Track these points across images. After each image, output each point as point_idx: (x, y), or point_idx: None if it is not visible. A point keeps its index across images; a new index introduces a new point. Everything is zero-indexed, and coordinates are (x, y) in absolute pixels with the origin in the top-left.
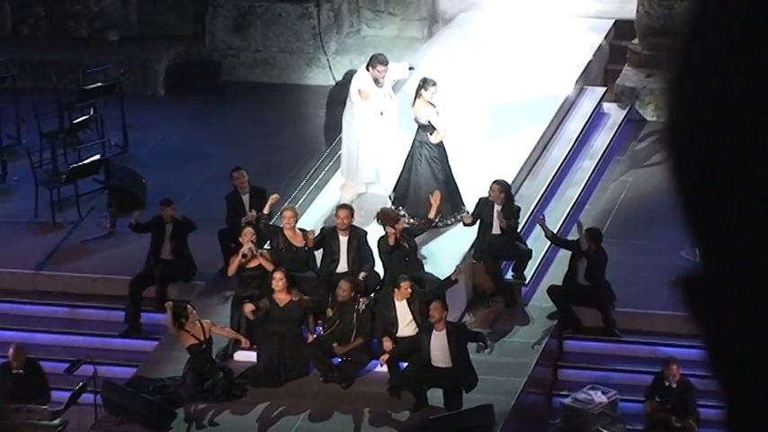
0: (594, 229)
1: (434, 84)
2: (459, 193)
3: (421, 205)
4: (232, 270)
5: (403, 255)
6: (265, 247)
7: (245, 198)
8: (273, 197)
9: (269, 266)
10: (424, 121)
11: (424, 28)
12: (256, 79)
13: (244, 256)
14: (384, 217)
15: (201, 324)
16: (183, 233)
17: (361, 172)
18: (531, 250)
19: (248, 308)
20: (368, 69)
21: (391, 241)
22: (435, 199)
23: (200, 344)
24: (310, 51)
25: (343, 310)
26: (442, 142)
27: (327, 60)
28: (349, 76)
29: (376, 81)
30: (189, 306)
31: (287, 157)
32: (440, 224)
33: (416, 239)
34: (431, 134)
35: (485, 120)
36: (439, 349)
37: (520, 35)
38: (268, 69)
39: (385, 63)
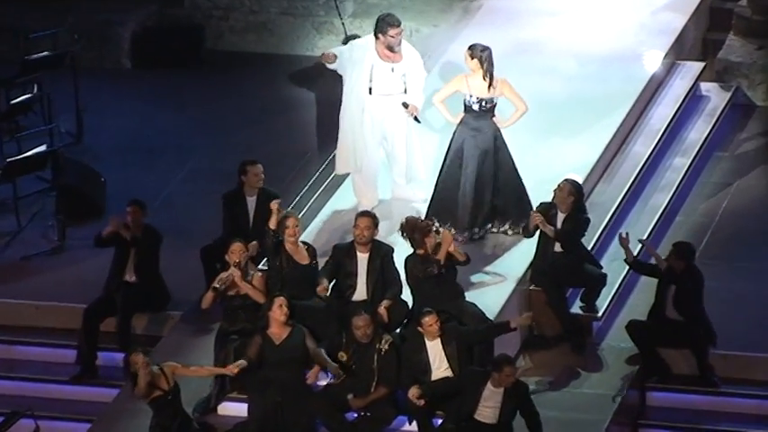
0: (684, 244)
1: (486, 50)
2: (526, 196)
3: (442, 215)
4: (206, 303)
5: (438, 279)
6: (260, 266)
7: (251, 201)
8: (274, 205)
9: (258, 298)
10: (493, 100)
11: None
12: (250, 49)
13: (214, 289)
14: (410, 228)
15: (162, 370)
16: (151, 247)
17: (371, 170)
18: (605, 275)
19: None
20: (377, 37)
21: (441, 257)
22: (446, 240)
23: (164, 395)
24: (320, 13)
25: (360, 352)
26: (498, 129)
27: (343, 25)
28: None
29: (390, 49)
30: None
31: (288, 149)
32: (494, 230)
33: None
34: (491, 117)
35: (544, 107)
36: (491, 405)
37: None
38: (265, 36)
39: (397, 25)
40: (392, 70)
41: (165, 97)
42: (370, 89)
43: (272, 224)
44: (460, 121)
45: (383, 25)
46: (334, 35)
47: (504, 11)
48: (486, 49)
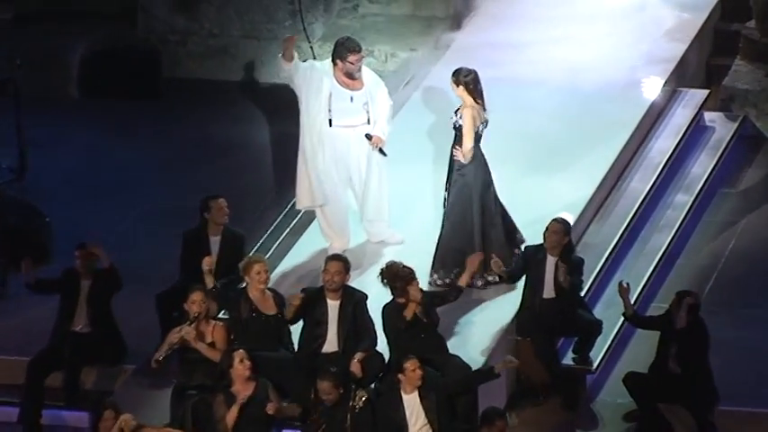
0: (688, 294)
1: (471, 73)
2: (513, 234)
3: (449, 259)
4: (155, 365)
5: (418, 330)
6: (220, 315)
7: (215, 241)
8: (206, 262)
9: (213, 356)
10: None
11: (449, 3)
12: (210, 76)
13: (171, 346)
14: (391, 275)
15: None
16: (107, 293)
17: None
18: (600, 322)
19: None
20: (335, 63)
21: (408, 315)
22: (472, 262)
23: None
24: (287, 36)
25: (330, 413)
26: (481, 161)
27: (312, 49)
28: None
29: (350, 76)
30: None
31: (252, 186)
32: (476, 284)
33: (438, 309)
34: (458, 146)
35: (532, 138)
36: None
37: (582, 16)
38: (227, 62)
39: (357, 50)
40: (351, 99)
41: (116, 130)
42: (330, 120)
43: (209, 284)
44: (473, 156)
45: (341, 50)
46: (301, 60)
47: (486, 35)
48: (470, 72)
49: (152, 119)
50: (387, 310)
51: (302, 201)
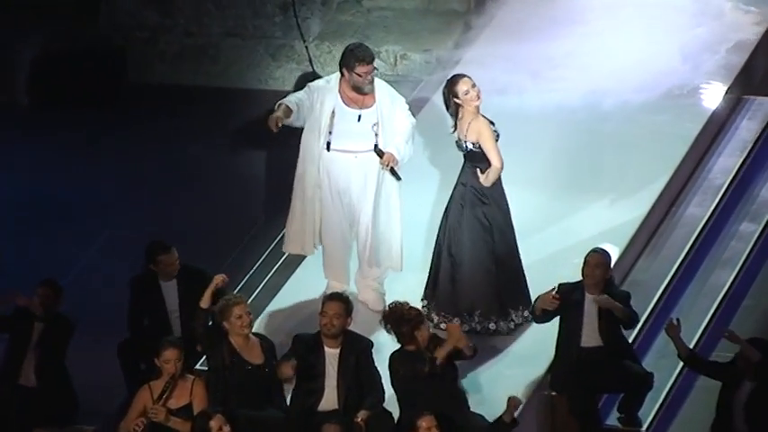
0: (760, 341)
1: (467, 80)
2: (523, 277)
3: (464, 298)
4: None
5: (434, 382)
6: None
7: (169, 285)
8: (218, 279)
9: (183, 429)
10: (470, 145)
11: None
12: (185, 81)
13: (143, 426)
14: (395, 319)
15: None
16: (59, 340)
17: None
18: (651, 375)
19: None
20: (342, 74)
21: (426, 366)
22: (452, 331)
23: None
24: (277, 34)
25: None
26: (500, 186)
27: (307, 50)
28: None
29: (358, 90)
30: None
31: (235, 214)
32: (497, 327)
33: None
34: (480, 170)
35: (567, 156)
36: None
37: (626, 12)
38: (206, 65)
39: (368, 60)
40: (358, 119)
41: (74, 144)
42: (329, 144)
43: (205, 302)
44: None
45: (349, 58)
46: (295, 62)
47: (517, 30)
48: (449, 78)
49: (116, 131)
50: (395, 359)
51: (289, 245)
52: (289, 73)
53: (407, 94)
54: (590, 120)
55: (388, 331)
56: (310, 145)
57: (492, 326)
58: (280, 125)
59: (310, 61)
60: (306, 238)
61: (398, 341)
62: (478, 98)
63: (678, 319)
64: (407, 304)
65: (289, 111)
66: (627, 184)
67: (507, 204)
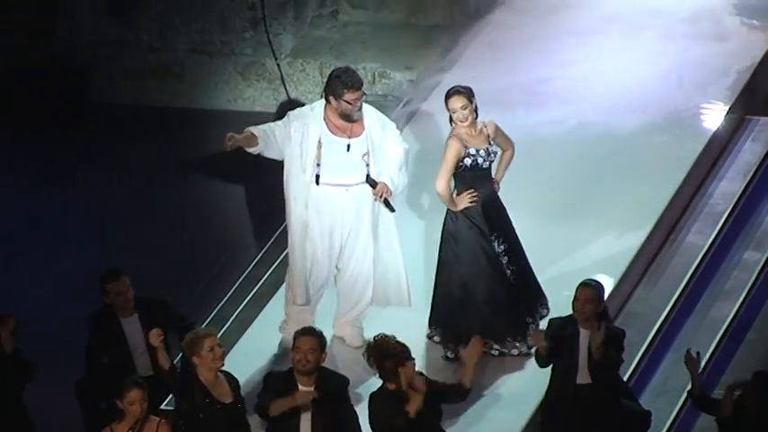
0: (764, 375)
1: (459, 98)
2: (533, 301)
3: (446, 328)
4: None
5: (416, 425)
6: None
7: (130, 321)
8: (154, 336)
9: None
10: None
11: (454, 7)
12: (149, 101)
13: None
14: (379, 352)
15: None
16: (17, 382)
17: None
18: (648, 414)
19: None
20: (328, 101)
21: (411, 409)
22: (470, 355)
23: None
24: (247, 51)
25: None
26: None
27: (279, 68)
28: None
29: (347, 118)
30: None
31: (202, 243)
32: (493, 352)
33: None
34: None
35: (560, 178)
36: None
37: (620, 29)
38: (171, 83)
39: (357, 86)
40: (347, 149)
41: (29, 168)
42: (318, 177)
43: (165, 363)
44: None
45: (337, 85)
46: (267, 81)
47: (506, 46)
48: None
49: (75, 155)
50: (375, 398)
51: (295, 298)
52: (259, 93)
53: (387, 115)
54: (582, 141)
55: (370, 365)
56: (295, 179)
57: (510, 349)
58: (232, 146)
59: (282, 80)
60: (294, 288)
61: (380, 377)
62: (466, 120)
63: (699, 353)
64: (394, 338)
65: (252, 138)
66: (622, 210)
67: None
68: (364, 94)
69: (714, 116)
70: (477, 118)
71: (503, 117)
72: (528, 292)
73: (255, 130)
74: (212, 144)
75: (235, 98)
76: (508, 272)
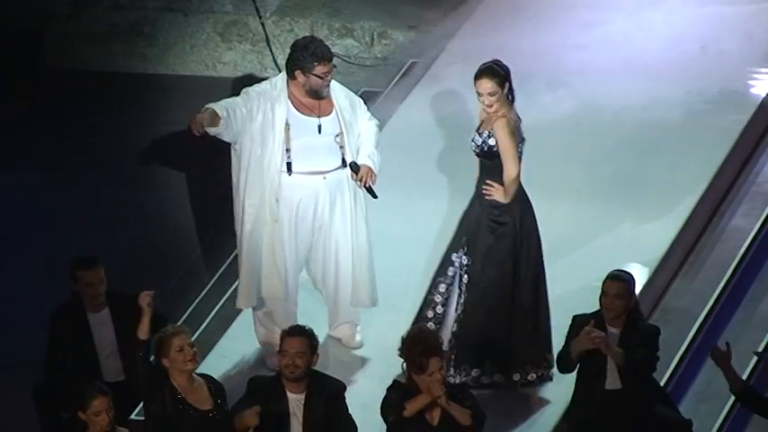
0: None
1: (483, 81)
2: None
3: (472, 351)
4: None
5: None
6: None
7: (100, 318)
8: (146, 299)
9: None
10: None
11: None
12: (115, 66)
13: None
14: (411, 339)
15: None
16: None
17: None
18: (688, 423)
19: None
20: (293, 77)
21: (408, 409)
22: (430, 391)
23: None
24: (227, 8)
25: None
26: (525, 200)
27: (263, 28)
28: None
29: (316, 95)
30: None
31: (176, 228)
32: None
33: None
34: (496, 181)
35: (586, 160)
36: None
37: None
38: (140, 46)
39: (329, 57)
40: (318, 129)
41: None
42: (289, 165)
43: (143, 332)
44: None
45: (306, 58)
46: (250, 43)
47: (527, 5)
48: (501, 62)
49: (31, 129)
50: (391, 387)
51: (239, 299)
52: (241, 56)
53: (385, 83)
54: (611, 116)
55: (399, 355)
56: (258, 168)
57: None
58: (201, 130)
59: (268, 41)
60: (274, 283)
61: (407, 368)
62: (490, 107)
63: (728, 343)
64: (433, 331)
65: (215, 117)
66: (657, 192)
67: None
68: (334, 66)
69: (761, 84)
70: (513, 101)
71: (520, 90)
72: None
73: (217, 107)
74: (187, 115)
75: (213, 63)
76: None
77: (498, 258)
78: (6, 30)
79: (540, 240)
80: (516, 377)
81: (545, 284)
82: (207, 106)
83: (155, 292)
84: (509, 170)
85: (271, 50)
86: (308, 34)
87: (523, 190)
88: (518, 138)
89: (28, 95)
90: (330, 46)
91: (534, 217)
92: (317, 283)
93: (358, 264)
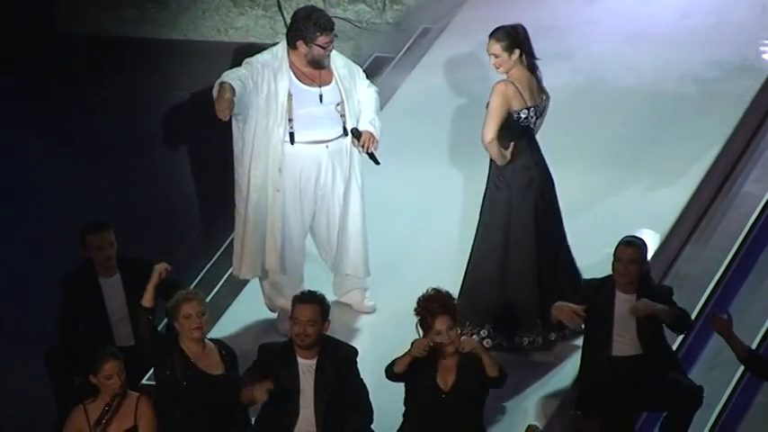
0: None
1: (491, 42)
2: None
3: (470, 311)
4: None
5: (449, 403)
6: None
7: (111, 282)
8: (160, 269)
9: None
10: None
11: None
12: (127, 32)
13: None
14: (424, 298)
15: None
16: None
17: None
18: (700, 389)
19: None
20: (294, 47)
21: (443, 382)
22: (417, 347)
23: None
24: None
25: None
26: (527, 165)
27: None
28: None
29: (318, 65)
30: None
31: (184, 198)
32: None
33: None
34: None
35: (597, 127)
36: None
37: None
38: (152, 12)
39: (331, 27)
40: (320, 99)
41: None
42: (292, 135)
43: (147, 299)
44: (512, 157)
45: (308, 28)
46: (262, 8)
47: None
48: (517, 27)
49: (41, 97)
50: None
51: (246, 268)
52: (254, 21)
53: (397, 48)
54: (620, 80)
55: (415, 314)
56: (262, 138)
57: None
58: (231, 112)
59: (279, 7)
60: (270, 257)
61: (420, 331)
62: (497, 68)
63: (728, 313)
64: (446, 292)
65: (234, 92)
66: (668, 158)
67: (538, 188)
68: (336, 36)
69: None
70: (534, 68)
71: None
72: None
73: (232, 81)
74: (201, 81)
75: (225, 28)
76: None
77: (489, 221)
78: None
79: (550, 210)
80: (517, 341)
81: (559, 248)
82: (221, 82)
83: (170, 268)
84: (484, 133)
85: (283, 15)
86: (309, 3)
87: (534, 157)
88: (521, 105)
89: (40, 62)
90: (342, 11)
91: (540, 186)
92: (321, 252)
93: (356, 233)
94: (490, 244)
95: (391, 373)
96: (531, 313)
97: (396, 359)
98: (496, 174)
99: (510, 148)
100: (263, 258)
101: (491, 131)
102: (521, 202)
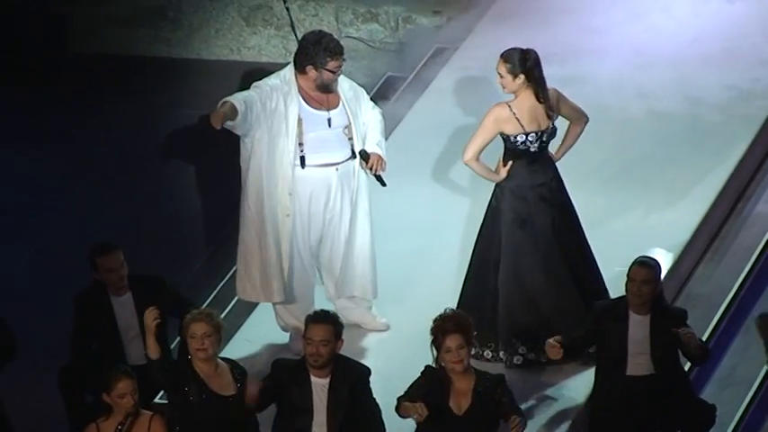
0: None
1: (500, 62)
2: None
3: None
4: None
5: (462, 427)
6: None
7: (122, 301)
8: (150, 314)
9: None
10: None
11: None
12: (141, 51)
13: None
14: (440, 318)
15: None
16: None
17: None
18: (712, 408)
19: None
20: (303, 72)
21: (457, 406)
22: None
23: None
24: None
25: None
26: (523, 182)
27: (288, 12)
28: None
29: (326, 89)
30: None
31: (198, 215)
32: (511, 361)
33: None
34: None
35: (610, 144)
36: None
37: None
38: (165, 31)
39: (341, 51)
40: (328, 123)
41: (1, 130)
42: (303, 159)
43: (152, 352)
44: (507, 177)
45: (318, 53)
46: (274, 28)
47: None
48: (529, 52)
49: (53, 115)
50: (426, 374)
51: (248, 291)
52: (266, 41)
53: (410, 68)
54: (635, 97)
55: (431, 332)
56: (275, 162)
57: (514, 359)
58: (223, 124)
59: (292, 26)
60: (274, 283)
61: (434, 350)
62: (504, 88)
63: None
64: (461, 313)
65: (234, 110)
66: (681, 178)
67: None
68: (344, 60)
69: None
70: (540, 89)
71: (548, 70)
72: None
73: (234, 101)
74: (213, 100)
75: (238, 47)
76: None
77: (485, 235)
78: (31, 14)
79: (548, 236)
80: (503, 356)
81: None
82: (224, 100)
83: (159, 311)
84: (464, 151)
85: (295, 35)
86: (321, 24)
87: (539, 178)
88: (516, 131)
89: (53, 80)
90: (355, 31)
91: (535, 208)
92: (323, 276)
93: (364, 254)
94: (482, 257)
95: (397, 413)
96: (537, 326)
97: (401, 399)
98: (495, 190)
99: (507, 167)
100: (271, 283)
101: (470, 150)
102: (512, 222)
